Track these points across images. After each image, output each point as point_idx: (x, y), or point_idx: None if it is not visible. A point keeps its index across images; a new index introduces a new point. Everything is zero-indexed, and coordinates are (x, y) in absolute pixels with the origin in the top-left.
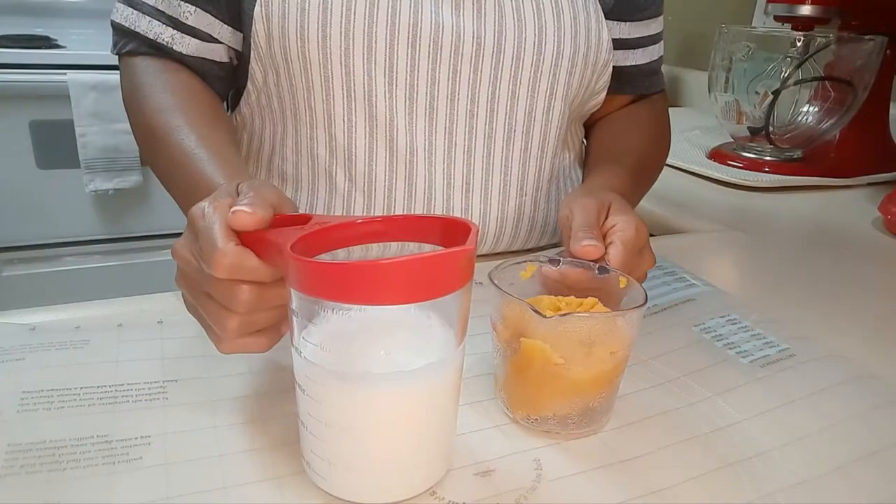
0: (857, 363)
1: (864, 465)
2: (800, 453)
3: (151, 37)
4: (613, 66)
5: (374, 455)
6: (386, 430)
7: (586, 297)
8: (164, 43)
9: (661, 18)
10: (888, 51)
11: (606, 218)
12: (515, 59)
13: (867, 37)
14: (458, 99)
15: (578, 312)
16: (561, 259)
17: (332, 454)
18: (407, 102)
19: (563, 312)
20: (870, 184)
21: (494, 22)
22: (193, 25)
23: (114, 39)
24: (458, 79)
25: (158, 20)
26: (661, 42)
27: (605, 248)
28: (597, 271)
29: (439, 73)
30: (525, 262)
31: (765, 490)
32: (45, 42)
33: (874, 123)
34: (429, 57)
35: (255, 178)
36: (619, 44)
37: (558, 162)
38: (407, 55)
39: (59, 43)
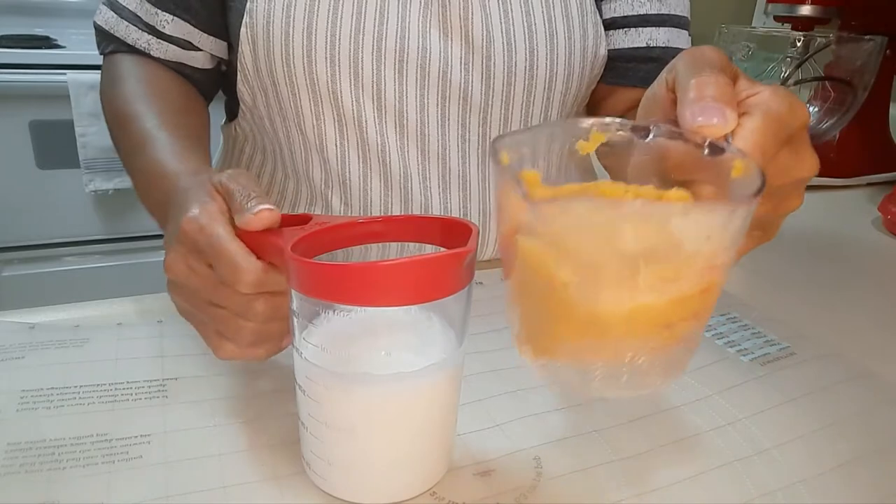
0: (857, 362)
1: (864, 463)
2: (800, 452)
3: (130, 42)
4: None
5: (374, 455)
6: (386, 430)
7: (675, 187)
8: (142, 48)
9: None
10: (888, 51)
11: (736, 84)
12: (506, 84)
13: (867, 37)
14: (449, 124)
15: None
16: (652, 126)
17: (332, 455)
18: (397, 128)
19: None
20: (870, 184)
21: (482, 47)
22: (171, 34)
23: (97, 40)
24: (447, 104)
25: (136, 25)
26: (672, 29)
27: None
28: (706, 150)
29: (428, 98)
30: (591, 125)
31: (765, 488)
32: (45, 42)
33: (874, 123)
34: (416, 83)
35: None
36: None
37: None
38: (394, 81)
39: (59, 43)
